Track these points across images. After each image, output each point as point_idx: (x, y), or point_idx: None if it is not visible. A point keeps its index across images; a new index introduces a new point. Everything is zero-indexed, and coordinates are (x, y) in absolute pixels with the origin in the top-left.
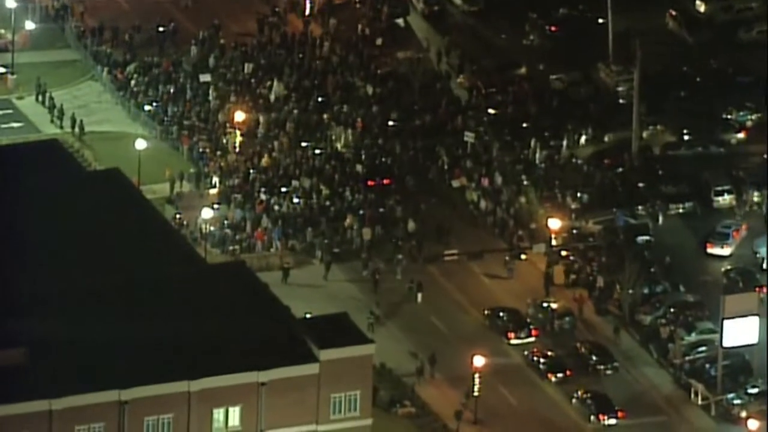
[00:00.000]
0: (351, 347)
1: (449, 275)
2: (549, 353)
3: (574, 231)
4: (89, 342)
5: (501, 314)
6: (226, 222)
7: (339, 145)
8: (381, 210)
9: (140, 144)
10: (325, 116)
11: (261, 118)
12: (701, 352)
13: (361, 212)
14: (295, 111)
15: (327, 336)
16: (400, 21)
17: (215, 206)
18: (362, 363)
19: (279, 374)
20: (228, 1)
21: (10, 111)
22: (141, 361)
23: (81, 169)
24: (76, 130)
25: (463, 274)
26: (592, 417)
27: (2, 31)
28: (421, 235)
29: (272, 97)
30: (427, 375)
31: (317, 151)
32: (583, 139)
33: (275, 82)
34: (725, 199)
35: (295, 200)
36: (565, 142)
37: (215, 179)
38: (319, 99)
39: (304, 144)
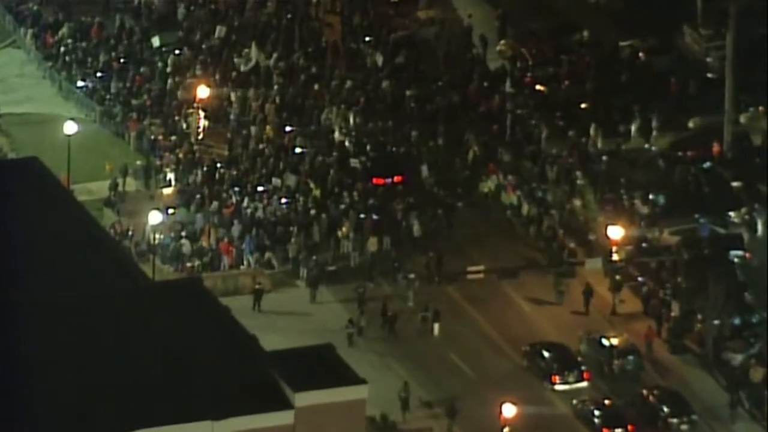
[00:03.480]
0: (336, 389)
1: (476, 300)
2: (605, 402)
3: (644, 243)
4: None
5: (543, 351)
6: (182, 231)
7: (336, 132)
8: (389, 216)
9: (70, 128)
10: (318, 92)
11: (233, 96)
12: None
13: (361, 217)
14: (276, 87)
15: (305, 375)
16: None
17: (169, 210)
18: (352, 411)
19: (241, 425)
20: None
21: None
22: (60, 409)
23: None
24: None
25: (494, 298)
26: None
27: None
28: (441, 249)
29: (249, 68)
30: (444, 430)
31: (305, 140)
32: (659, 124)
33: (253, 49)
34: None
35: (276, 202)
36: (635, 129)
37: (170, 175)
38: (312, 71)
39: (289, 129)
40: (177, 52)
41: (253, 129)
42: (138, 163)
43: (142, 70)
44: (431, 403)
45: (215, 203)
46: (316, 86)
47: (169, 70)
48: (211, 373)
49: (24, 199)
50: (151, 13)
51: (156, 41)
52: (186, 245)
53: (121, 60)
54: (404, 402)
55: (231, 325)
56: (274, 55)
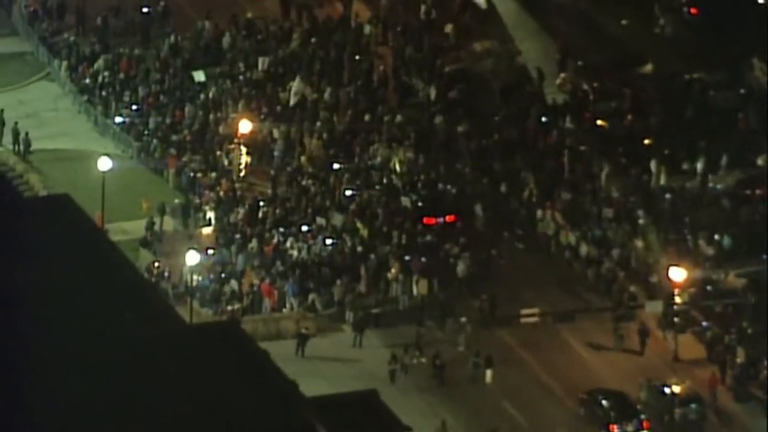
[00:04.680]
0: None
1: (531, 345)
2: None
3: (708, 286)
4: None
5: (601, 399)
6: (222, 273)
7: (386, 169)
8: (440, 257)
9: (104, 164)
10: (367, 127)
11: (276, 131)
12: None
13: (410, 259)
14: (323, 121)
15: (348, 423)
16: (480, 0)
17: (208, 250)
18: None
19: None
20: None
21: None
22: None
23: (16, 197)
24: (20, 146)
25: (550, 343)
26: None
27: None
28: (495, 291)
29: (294, 102)
30: None
31: (353, 177)
32: (726, 161)
33: (297, 82)
34: None
35: (321, 243)
36: (700, 166)
37: (210, 214)
38: (361, 105)
39: (337, 166)
40: (220, 85)
41: (297, 166)
42: (176, 201)
43: (182, 104)
44: None
45: (257, 243)
46: (365, 121)
47: (210, 104)
48: (247, 421)
49: (54, 238)
50: (193, 44)
51: (200, 76)
52: (226, 287)
53: (160, 94)
54: None
55: (270, 370)
56: (328, 89)
